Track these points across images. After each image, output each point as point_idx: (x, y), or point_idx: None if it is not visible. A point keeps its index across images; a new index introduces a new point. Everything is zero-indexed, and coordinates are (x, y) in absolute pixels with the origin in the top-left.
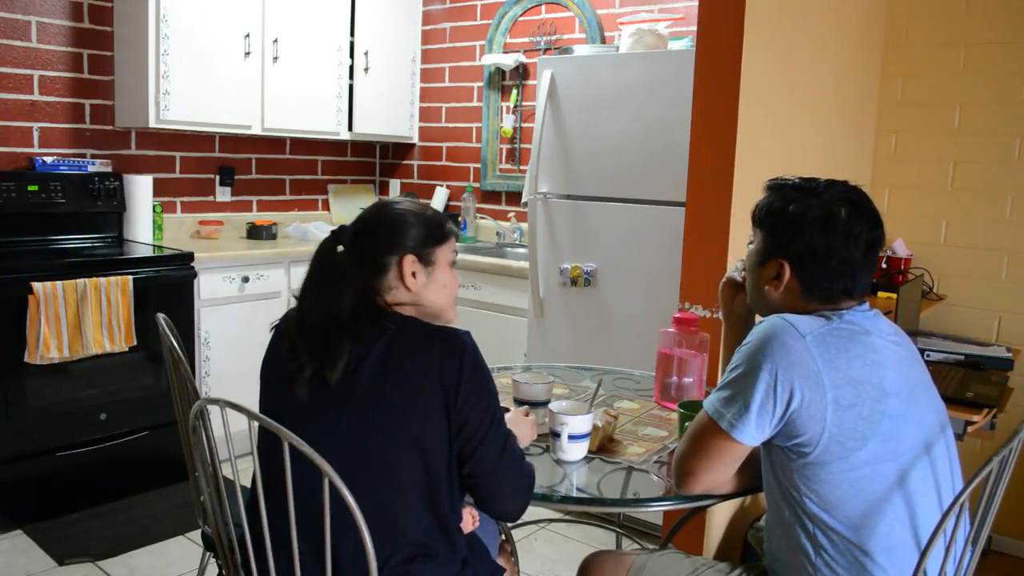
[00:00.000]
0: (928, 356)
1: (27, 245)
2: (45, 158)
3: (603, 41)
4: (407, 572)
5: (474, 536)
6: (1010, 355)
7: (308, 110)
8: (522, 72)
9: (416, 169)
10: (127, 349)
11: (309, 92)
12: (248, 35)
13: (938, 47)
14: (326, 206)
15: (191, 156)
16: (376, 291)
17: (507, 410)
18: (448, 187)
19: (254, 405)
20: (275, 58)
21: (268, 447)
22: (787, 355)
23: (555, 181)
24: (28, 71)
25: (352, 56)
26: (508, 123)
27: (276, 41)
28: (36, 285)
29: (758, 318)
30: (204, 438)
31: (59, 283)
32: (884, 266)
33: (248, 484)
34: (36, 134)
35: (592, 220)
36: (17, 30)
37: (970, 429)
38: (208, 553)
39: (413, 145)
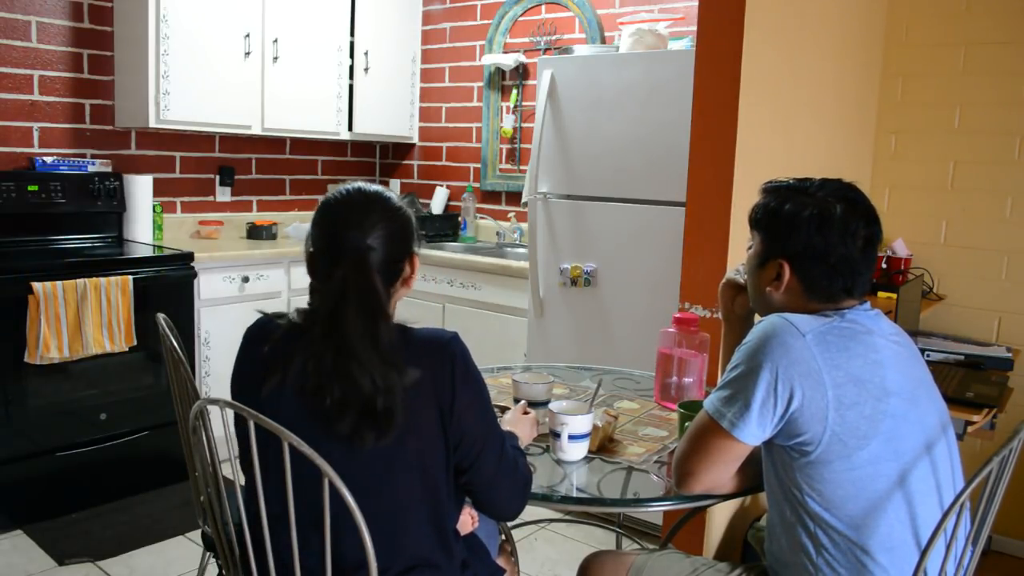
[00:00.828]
0: (928, 356)
1: (27, 245)
2: (45, 158)
3: (603, 41)
4: None
5: (474, 536)
6: (1010, 355)
7: (308, 110)
8: (522, 72)
9: (416, 169)
10: (127, 349)
11: (309, 92)
12: (248, 35)
13: (938, 47)
14: None
15: (191, 156)
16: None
17: (507, 408)
18: (448, 187)
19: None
20: (275, 58)
21: (260, 448)
22: (787, 354)
23: (555, 181)
24: (28, 71)
25: (352, 56)
26: (508, 123)
27: (276, 41)
28: (36, 285)
29: (757, 317)
30: (204, 438)
31: (59, 283)
32: (884, 266)
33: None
34: (36, 134)
35: (592, 220)
36: (17, 30)
37: (970, 429)
38: (208, 553)
39: (413, 145)
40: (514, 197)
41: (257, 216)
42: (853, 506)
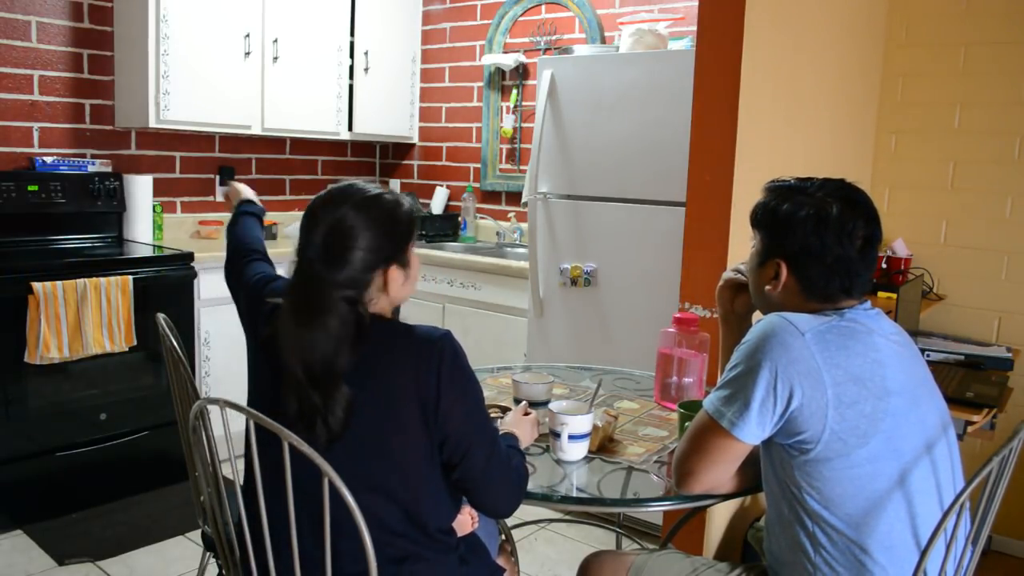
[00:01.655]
0: (928, 356)
1: (27, 245)
2: (45, 158)
3: (603, 41)
4: (398, 573)
5: (474, 536)
6: (1010, 355)
7: (308, 110)
8: (522, 72)
9: (416, 169)
10: (127, 349)
11: (309, 92)
12: (248, 35)
13: (938, 47)
14: None
15: (191, 156)
16: (363, 307)
17: (508, 409)
18: (448, 187)
19: None
20: (275, 58)
21: (260, 445)
22: (786, 352)
23: (555, 181)
24: (28, 71)
25: (352, 56)
26: (508, 123)
27: (276, 41)
28: (36, 285)
29: (757, 316)
30: (204, 438)
31: (59, 283)
32: (884, 266)
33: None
34: (36, 134)
35: (592, 220)
36: (17, 30)
37: (970, 429)
38: (208, 553)
39: (413, 145)
40: (514, 197)
41: None
42: (852, 505)
